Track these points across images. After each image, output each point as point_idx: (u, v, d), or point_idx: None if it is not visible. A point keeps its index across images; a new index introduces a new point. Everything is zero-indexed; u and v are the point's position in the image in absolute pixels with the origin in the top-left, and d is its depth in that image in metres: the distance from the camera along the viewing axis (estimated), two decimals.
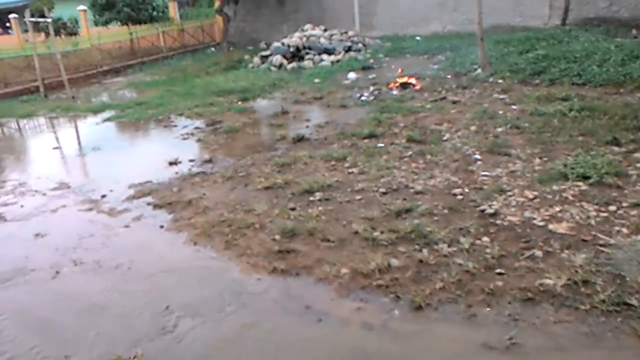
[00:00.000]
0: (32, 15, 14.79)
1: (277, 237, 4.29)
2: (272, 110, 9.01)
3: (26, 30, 26.17)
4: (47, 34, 17.46)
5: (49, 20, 13.69)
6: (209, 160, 6.55)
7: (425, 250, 3.87)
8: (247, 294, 3.61)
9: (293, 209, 4.80)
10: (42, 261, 4.42)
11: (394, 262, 3.75)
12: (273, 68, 13.42)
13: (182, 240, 4.50)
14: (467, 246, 3.87)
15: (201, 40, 20.29)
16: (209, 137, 7.70)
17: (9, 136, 9.88)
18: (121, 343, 3.22)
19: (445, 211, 4.48)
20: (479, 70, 10.15)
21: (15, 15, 27.24)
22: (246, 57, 15.57)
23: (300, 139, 7.00)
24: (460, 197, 4.75)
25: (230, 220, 4.71)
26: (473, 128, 6.79)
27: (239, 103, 9.77)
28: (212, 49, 19.41)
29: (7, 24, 29.67)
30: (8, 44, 22.07)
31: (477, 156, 5.76)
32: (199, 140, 7.64)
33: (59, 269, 4.24)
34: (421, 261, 3.75)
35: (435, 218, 4.36)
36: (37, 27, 17.00)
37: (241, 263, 4.02)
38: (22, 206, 5.75)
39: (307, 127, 7.71)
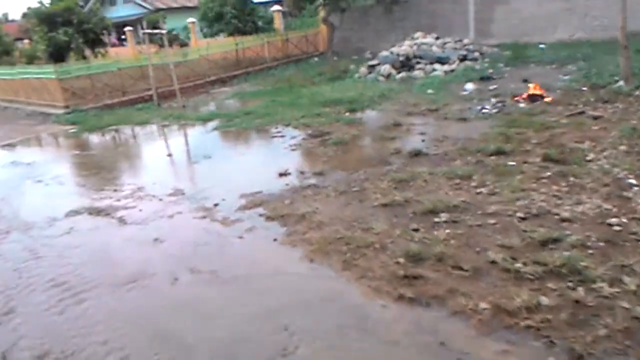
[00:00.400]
0: (147, 28, 16.16)
1: (401, 260, 4.10)
2: (382, 122, 8.89)
3: (139, 42, 28.88)
4: (161, 45, 19.01)
5: (164, 32, 14.87)
6: (320, 173, 6.55)
7: (580, 289, 3.46)
8: (371, 321, 3.46)
9: (416, 230, 4.59)
10: (161, 267, 4.63)
11: (544, 300, 3.38)
12: (381, 78, 13.35)
13: (297, 256, 4.48)
14: (633, 288, 3.40)
15: (305, 50, 20.86)
16: (318, 148, 7.75)
17: (127, 142, 10.75)
18: (241, 358, 3.22)
19: (601, 244, 4.00)
20: (621, 82, 9.21)
21: (130, 28, 30.16)
22: (352, 66, 15.69)
23: (417, 154, 6.78)
24: (617, 228, 4.23)
25: (348, 238, 4.60)
26: (622, 148, 6.11)
27: (347, 114, 9.78)
28: (316, 58, 19.86)
29: (122, 36, 32.92)
30: (124, 54, 24.42)
31: (632, 181, 5.14)
32: (307, 152, 7.71)
33: (177, 276, 4.41)
34: (577, 302, 3.35)
35: (590, 251, 3.91)
36: (150, 38, 18.57)
37: (362, 286, 3.88)
38: (140, 210, 6.14)
39: (423, 140, 7.47)
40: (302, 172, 6.70)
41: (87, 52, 20.25)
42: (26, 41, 34.77)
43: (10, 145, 11.37)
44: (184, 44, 23.40)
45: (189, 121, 11.29)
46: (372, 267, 4.07)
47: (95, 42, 20.41)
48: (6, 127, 13.65)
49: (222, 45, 19.52)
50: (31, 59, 24.33)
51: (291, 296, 3.89)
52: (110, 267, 4.78)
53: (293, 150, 7.96)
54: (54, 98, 14.63)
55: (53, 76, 14.30)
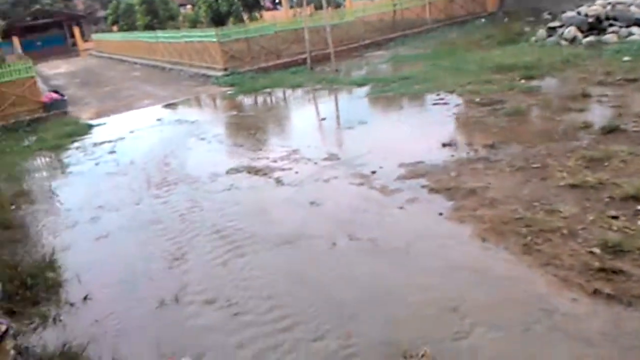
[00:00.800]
0: None
1: (596, 250, 3.68)
2: (566, 92, 8.07)
3: (292, 6, 29.98)
4: (317, 7, 19.49)
5: None
6: (491, 145, 6.17)
7: None
8: (559, 315, 3.16)
9: (615, 218, 4.09)
10: (318, 230, 4.77)
11: None
12: (563, 42, 12.12)
13: (467, 233, 4.28)
14: None
15: (471, 11, 19.82)
16: (488, 118, 7.30)
17: (281, 105, 11.30)
18: (406, 335, 3.17)
19: None
20: None
21: None
22: (526, 29, 14.54)
23: (612, 130, 6.02)
24: None
25: (528, 219, 4.27)
26: None
27: (523, 81, 9.06)
28: (483, 20, 18.76)
29: (276, 0, 34.50)
30: (279, 18, 25.58)
31: None
32: (475, 122, 7.31)
33: (335, 241, 4.50)
34: None
35: None
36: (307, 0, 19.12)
37: (546, 274, 3.56)
38: (296, 172, 6.39)
39: (620, 114, 6.60)
40: (469, 144, 6.38)
41: (245, 16, 21.58)
42: (189, 6, 38.27)
43: (176, 105, 12.66)
44: (337, 6, 23.75)
45: (343, 85, 11.46)
46: (559, 255, 3.72)
47: (252, 6, 21.67)
48: (171, 87, 15.21)
49: (379, 6, 19.39)
50: (194, 23, 26.74)
51: (460, 275, 3.73)
52: (268, 225, 5.06)
53: (458, 119, 7.63)
54: (214, 60, 15.89)
55: (214, 39, 15.49)
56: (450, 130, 7.10)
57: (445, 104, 8.47)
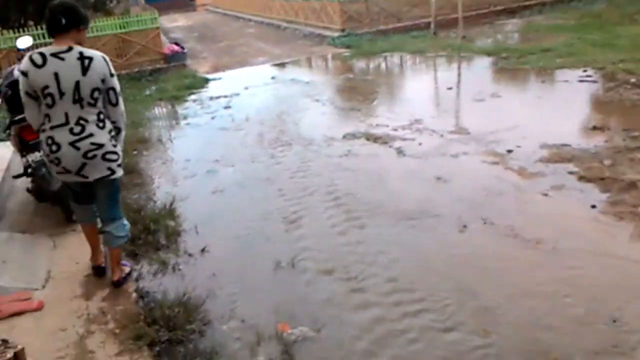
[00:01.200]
0: None
1: None
2: None
3: None
4: None
5: None
6: None
7: None
8: None
9: None
10: (446, 208, 4.46)
11: None
12: None
13: (627, 233, 3.77)
14: None
15: None
16: None
17: (401, 71, 10.90)
18: (554, 342, 2.81)
19: None
20: None
21: None
22: None
23: None
24: None
25: None
26: None
27: None
28: None
29: None
30: None
31: None
32: (632, 105, 6.49)
33: (466, 223, 4.17)
34: None
35: None
36: None
37: None
38: (420, 144, 6.06)
39: None
40: (625, 129, 5.67)
41: None
42: None
43: (290, 64, 12.66)
44: None
45: (472, 54, 10.77)
46: None
47: None
48: (286, 46, 15.25)
49: None
50: None
51: (619, 282, 3.26)
52: (390, 198, 4.82)
53: (609, 100, 6.82)
54: (331, 20, 15.67)
55: None
56: (600, 112, 6.39)
57: (593, 81, 7.63)
